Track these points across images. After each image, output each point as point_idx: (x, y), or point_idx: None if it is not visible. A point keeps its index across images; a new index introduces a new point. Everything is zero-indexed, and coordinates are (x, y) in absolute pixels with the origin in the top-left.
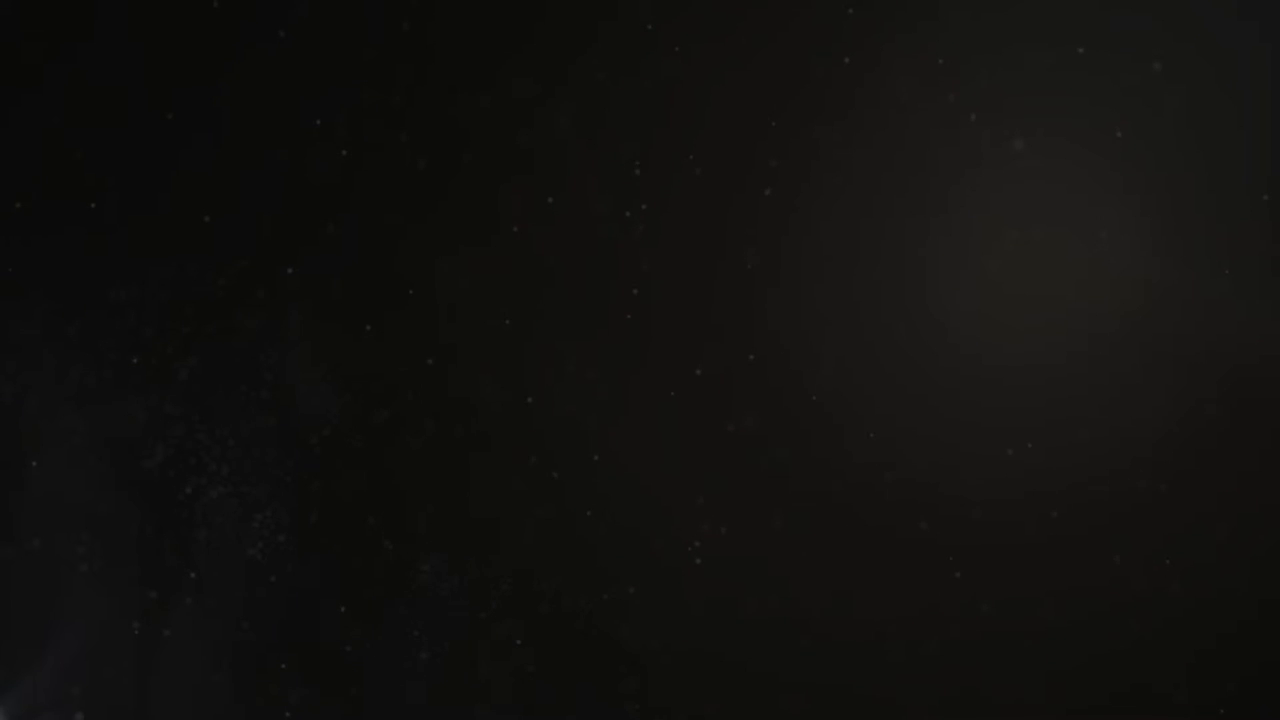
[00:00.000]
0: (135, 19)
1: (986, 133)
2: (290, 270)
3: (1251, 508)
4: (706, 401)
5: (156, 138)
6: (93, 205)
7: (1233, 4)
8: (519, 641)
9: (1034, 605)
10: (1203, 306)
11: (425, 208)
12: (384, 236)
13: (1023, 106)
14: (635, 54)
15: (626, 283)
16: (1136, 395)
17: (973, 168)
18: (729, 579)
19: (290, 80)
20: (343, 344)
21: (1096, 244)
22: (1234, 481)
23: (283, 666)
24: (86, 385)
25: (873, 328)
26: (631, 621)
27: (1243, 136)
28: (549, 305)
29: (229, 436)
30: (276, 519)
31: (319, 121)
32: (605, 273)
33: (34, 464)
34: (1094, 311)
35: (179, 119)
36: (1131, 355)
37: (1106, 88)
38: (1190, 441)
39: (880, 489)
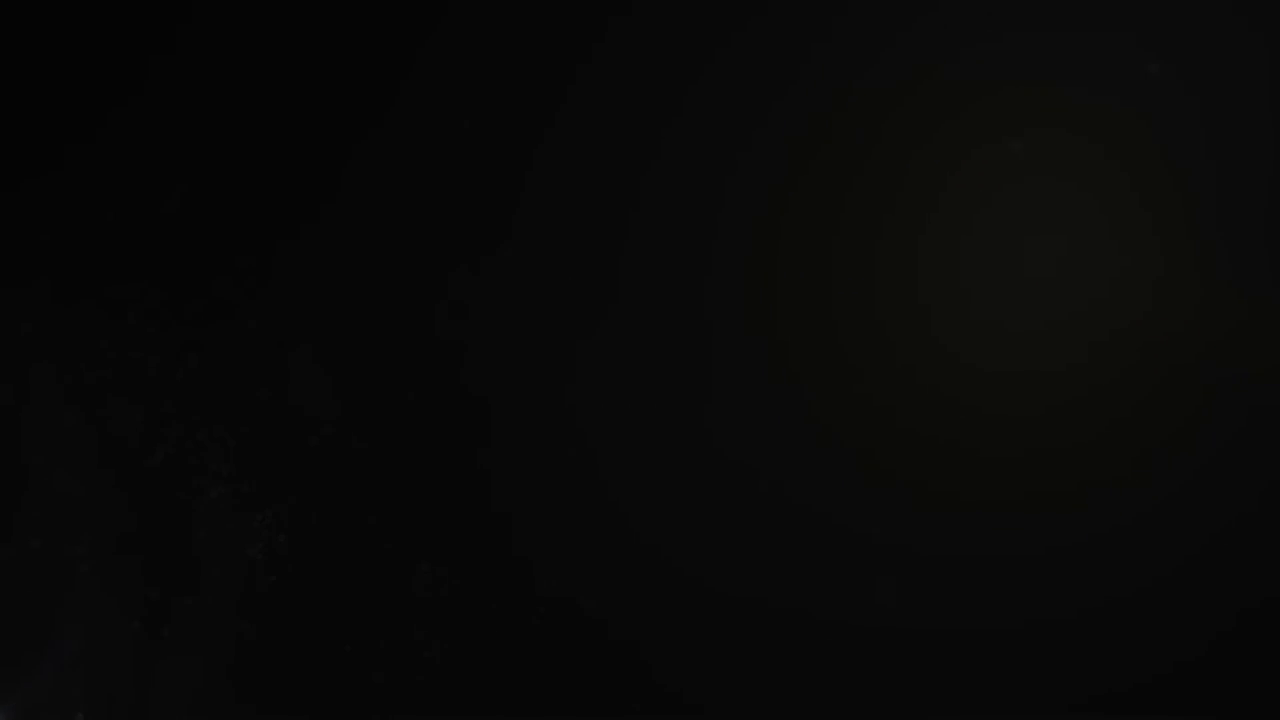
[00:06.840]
0: (133, 18)
1: (985, 131)
2: (290, 270)
3: (1251, 508)
4: (707, 400)
5: (157, 137)
6: (94, 205)
7: (1233, 3)
8: (519, 642)
9: (1033, 605)
10: (1202, 306)
11: (426, 206)
12: (385, 236)
13: (1022, 106)
14: (635, 52)
15: (629, 281)
16: (1136, 395)
17: (972, 167)
18: (731, 578)
19: (291, 79)
20: (343, 344)
21: (1097, 243)
22: (1234, 482)
23: (283, 667)
24: (86, 385)
25: (869, 327)
26: (633, 621)
27: (1245, 135)
28: (550, 304)
29: (229, 436)
30: (276, 519)
31: (320, 120)
32: (606, 271)
33: (34, 464)
34: (1092, 311)
35: (179, 117)
36: (1130, 355)
37: (1107, 86)
38: (1190, 441)
39: (877, 489)
